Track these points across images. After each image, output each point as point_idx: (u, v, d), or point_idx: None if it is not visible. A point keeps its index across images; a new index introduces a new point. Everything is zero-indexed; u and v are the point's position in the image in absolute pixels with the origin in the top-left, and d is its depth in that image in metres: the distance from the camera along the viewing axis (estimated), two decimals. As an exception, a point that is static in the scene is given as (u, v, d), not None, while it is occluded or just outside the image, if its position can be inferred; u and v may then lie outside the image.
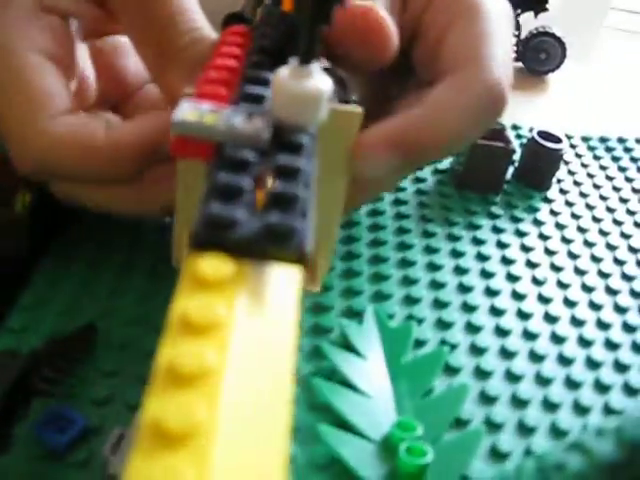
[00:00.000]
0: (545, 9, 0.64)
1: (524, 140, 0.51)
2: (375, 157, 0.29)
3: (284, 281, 0.18)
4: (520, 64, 0.65)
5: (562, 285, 0.37)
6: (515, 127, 0.53)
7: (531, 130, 0.51)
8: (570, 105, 0.61)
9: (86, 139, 0.27)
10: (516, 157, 0.47)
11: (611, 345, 0.34)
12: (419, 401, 0.29)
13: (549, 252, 0.40)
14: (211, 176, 0.19)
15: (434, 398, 0.29)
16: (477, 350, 0.32)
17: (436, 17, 0.32)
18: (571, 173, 0.48)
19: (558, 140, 0.45)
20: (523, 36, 0.64)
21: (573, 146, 0.52)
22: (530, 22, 0.65)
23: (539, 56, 0.64)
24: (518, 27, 0.64)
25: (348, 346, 0.31)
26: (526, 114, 0.57)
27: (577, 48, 0.75)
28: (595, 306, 0.36)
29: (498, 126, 0.44)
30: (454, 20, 0.31)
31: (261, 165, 0.20)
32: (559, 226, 0.42)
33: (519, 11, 0.64)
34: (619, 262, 0.40)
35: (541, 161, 0.45)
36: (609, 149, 0.52)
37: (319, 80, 0.22)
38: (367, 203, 0.40)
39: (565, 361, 0.33)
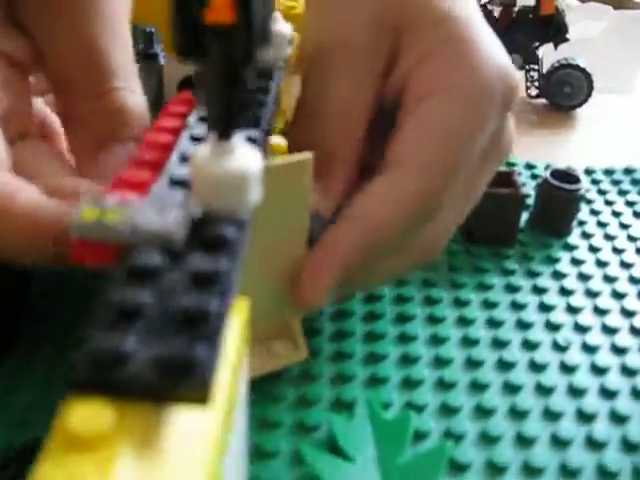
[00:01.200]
0: (565, 39, 0.59)
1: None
2: (316, 294, 0.27)
3: (187, 428, 0.14)
4: (543, 100, 0.60)
5: (589, 349, 0.33)
6: (530, 166, 0.49)
7: (547, 168, 0.46)
8: (598, 141, 0.56)
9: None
10: (530, 201, 0.43)
11: (649, 420, 0.29)
12: (417, 513, 0.24)
13: (572, 310, 0.35)
14: (104, 292, 0.15)
15: (435, 508, 0.25)
16: (488, 439, 0.28)
17: (416, 89, 0.29)
18: (594, 213, 0.44)
19: (576, 179, 0.41)
20: (545, 69, 0.60)
21: (596, 182, 0.47)
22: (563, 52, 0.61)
23: (563, 90, 0.59)
24: (537, 60, 0.60)
25: (335, 447, 0.27)
26: (549, 153, 0.52)
27: (621, 80, 0.70)
28: (629, 372, 0.31)
29: (506, 169, 0.40)
30: (417, 108, 0.29)
31: (173, 271, 0.17)
32: (582, 277, 0.38)
33: (537, 44, 0.60)
34: (654, 315, 0.35)
35: (557, 204, 0.41)
36: (636, 182, 0.47)
37: (244, 156, 0.18)
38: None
39: (596, 445, 0.28)
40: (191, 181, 0.18)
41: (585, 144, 0.55)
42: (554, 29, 0.57)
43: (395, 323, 0.34)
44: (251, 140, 0.22)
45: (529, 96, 0.61)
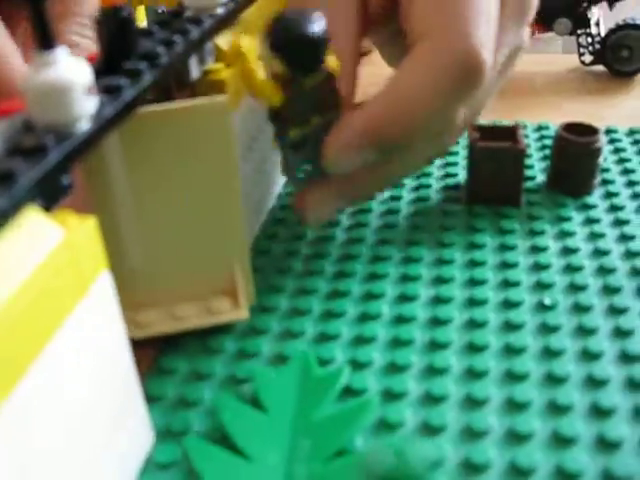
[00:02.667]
0: (619, -2, 0.54)
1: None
2: (343, 155, 0.28)
3: None
4: (601, 67, 0.55)
5: (585, 332, 0.29)
6: (541, 127, 0.45)
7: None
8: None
9: None
10: (547, 161, 0.39)
11: None
12: (320, 467, 0.22)
13: (570, 269, 0.32)
14: None
15: (339, 462, 0.22)
16: (433, 399, 0.25)
17: None
18: (626, 172, 0.39)
19: (593, 132, 0.36)
20: (603, 33, 0.55)
21: (614, 140, 0.43)
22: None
23: (621, 54, 0.54)
24: (588, 23, 0.55)
25: (255, 399, 0.25)
26: (603, 121, 0.48)
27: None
28: (620, 334, 0.28)
29: (510, 124, 0.36)
30: None
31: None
32: (593, 236, 0.34)
33: (585, 4, 0.55)
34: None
35: (570, 160, 0.37)
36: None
37: (67, 67, 0.18)
38: (366, 199, 0.35)
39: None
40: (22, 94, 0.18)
41: None
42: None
43: (363, 282, 0.31)
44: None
45: (582, 63, 0.56)
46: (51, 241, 0.18)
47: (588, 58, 0.56)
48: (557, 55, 0.62)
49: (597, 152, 0.36)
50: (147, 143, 0.25)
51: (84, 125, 0.18)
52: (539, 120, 0.47)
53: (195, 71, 0.28)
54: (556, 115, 0.48)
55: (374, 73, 0.39)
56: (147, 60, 0.23)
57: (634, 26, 0.53)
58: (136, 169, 0.25)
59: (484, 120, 0.44)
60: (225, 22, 0.29)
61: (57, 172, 0.18)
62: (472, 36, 0.27)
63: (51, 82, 0.17)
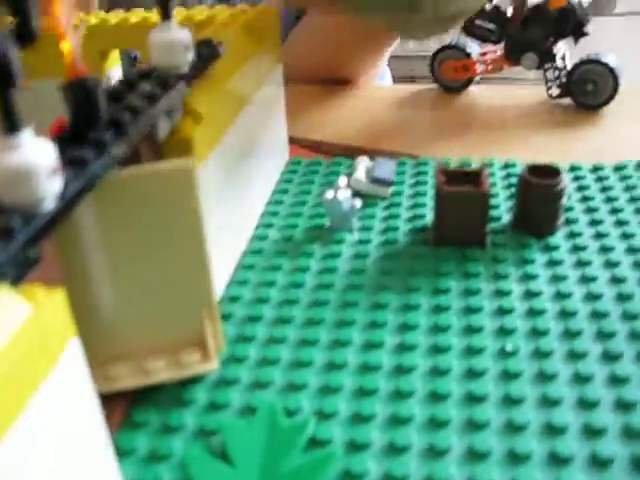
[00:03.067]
0: (583, 33, 0.56)
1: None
2: None
3: None
4: (567, 100, 0.57)
5: (545, 378, 0.30)
6: (508, 165, 0.46)
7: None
8: (627, 139, 0.52)
9: None
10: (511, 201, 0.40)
11: None
12: (286, 523, 0.23)
13: (533, 313, 0.33)
14: None
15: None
16: (396, 450, 0.26)
17: None
18: (589, 211, 0.40)
19: (555, 174, 0.38)
20: (569, 66, 0.56)
21: (601, 179, 0.44)
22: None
23: (586, 88, 0.55)
24: (554, 58, 0.57)
25: (224, 452, 0.26)
26: (571, 154, 0.49)
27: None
28: (581, 379, 0.28)
29: (476, 167, 0.37)
30: None
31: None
32: (556, 278, 0.35)
33: (551, 39, 0.56)
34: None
35: (534, 201, 0.38)
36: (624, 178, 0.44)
37: (31, 149, 0.18)
38: None
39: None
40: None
41: (612, 144, 0.51)
42: (568, 23, 0.54)
43: (332, 329, 0.32)
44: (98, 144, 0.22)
45: (550, 96, 0.57)
46: (18, 317, 0.18)
47: (555, 91, 0.57)
48: (526, 87, 0.63)
49: (560, 194, 0.37)
50: (115, 205, 0.26)
51: (49, 204, 0.19)
52: (508, 155, 0.48)
53: (163, 131, 0.28)
54: (524, 149, 0.50)
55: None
56: (115, 128, 0.24)
57: (598, 62, 0.54)
58: (105, 229, 0.26)
59: (453, 159, 0.45)
60: (193, 81, 0.30)
61: (25, 249, 0.18)
62: None
63: (16, 166, 0.18)
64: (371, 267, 0.36)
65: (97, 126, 0.23)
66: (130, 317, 0.28)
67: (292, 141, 0.50)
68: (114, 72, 0.46)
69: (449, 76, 0.61)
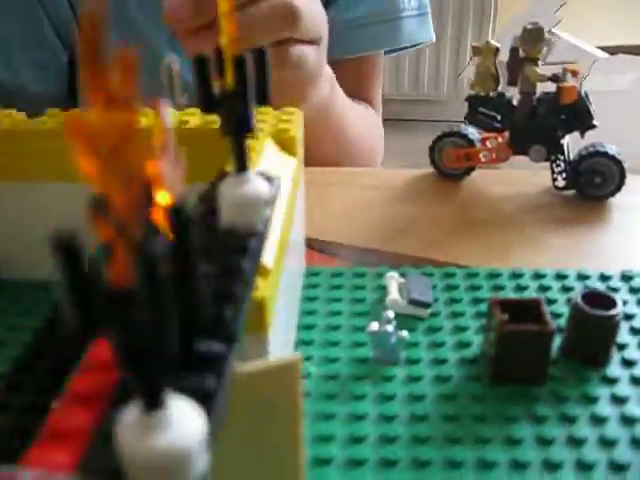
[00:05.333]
0: (592, 126, 0.55)
1: (572, 294, 0.42)
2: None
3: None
4: (573, 191, 0.56)
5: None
6: (560, 276, 0.45)
7: (579, 279, 0.42)
8: (637, 238, 0.51)
9: None
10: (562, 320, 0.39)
11: None
12: None
13: (617, 467, 0.31)
14: None
15: None
16: None
17: None
18: (636, 332, 0.39)
19: (611, 302, 0.36)
20: (572, 156, 0.56)
21: (635, 290, 0.43)
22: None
23: (593, 180, 0.55)
24: (562, 150, 0.56)
25: None
26: (581, 254, 0.48)
27: None
28: None
29: (532, 298, 0.36)
30: None
31: None
32: (626, 421, 0.33)
33: (560, 133, 0.56)
34: None
35: (591, 333, 0.36)
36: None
37: (179, 427, 0.15)
38: None
39: None
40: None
41: (621, 242, 0.51)
42: (579, 118, 0.53)
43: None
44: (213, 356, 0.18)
45: (556, 188, 0.57)
46: None
47: (561, 183, 0.56)
48: (526, 170, 0.62)
49: (618, 324, 0.36)
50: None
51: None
52: (523, 258, 0.47)
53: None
54: (541, 252, 0.49)
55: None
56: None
57: (605, 154, 0.54)
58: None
59: (480, 269, 0.43)
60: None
61: None
62: None
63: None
64: (433, 413, 0.34)
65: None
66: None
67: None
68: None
69: (450, 164, 0.59)
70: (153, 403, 0.14)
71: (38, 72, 0.67)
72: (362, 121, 0.80)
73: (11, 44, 0.67)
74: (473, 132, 0.59)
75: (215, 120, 0.40)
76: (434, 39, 0.85)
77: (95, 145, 0.12)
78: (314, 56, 0.56)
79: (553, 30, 1.61)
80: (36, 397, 0.33)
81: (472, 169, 0.60)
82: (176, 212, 0.14)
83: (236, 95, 0.23)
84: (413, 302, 0.41)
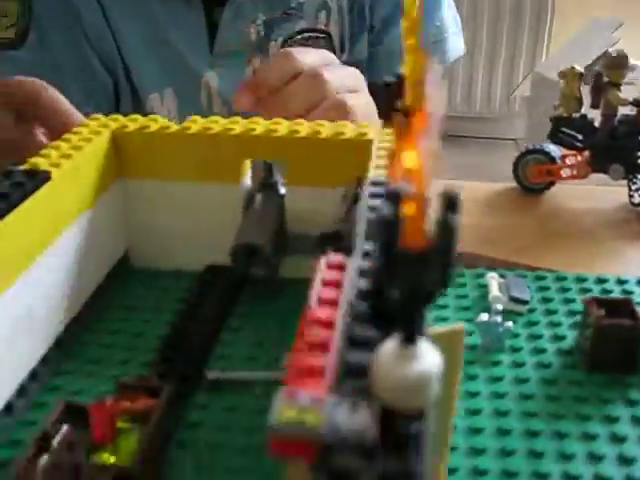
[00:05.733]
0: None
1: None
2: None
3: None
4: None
5: None
6: (622, 281, 0.50)
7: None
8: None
9: None
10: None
11: None
12: None
13: None
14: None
15: None
16: None
17: None
18: None
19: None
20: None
21: None
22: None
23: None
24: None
25: None
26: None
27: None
28: None
29: (621, 296, 0.41)
30: None
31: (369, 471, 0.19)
32: None
33: (638, 154, 0.60)
34: None
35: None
36: None
37: (426, 360, 0.20)
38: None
39: None
40: (375, 379, 0.20)
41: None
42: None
43: (526, 457, 0.35)
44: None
45: (632, 204, 0.61)
46: None
47: (638, 199, 0.61)
48: (605, 191, 0.67)
49: None
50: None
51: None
52: (597, 268, 0.52)
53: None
54: (625, 265, 0.54)
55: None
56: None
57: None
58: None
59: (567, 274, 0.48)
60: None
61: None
62: None
63: (415, 376, 0.20)
64: (538, 393, 0.39)
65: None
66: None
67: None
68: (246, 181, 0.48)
69: (533, 179, 0.64)
70: (411, 340, 0.20)
71: (87, 97, 0.75)
72: None
73: (64, 73, 0.75)
74: (555, 150, 0.64)
75: (344, 132, 0.45)
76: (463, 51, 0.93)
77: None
78: (354, 102, 0.60)
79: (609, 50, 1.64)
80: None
81: (552, 184, 0.65)
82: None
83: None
84: (513, 299, 0.46)
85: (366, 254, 0.28)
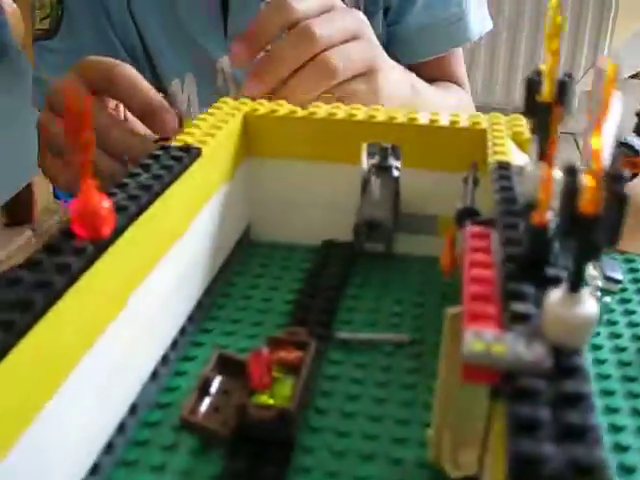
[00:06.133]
0: None
1: None
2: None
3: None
4: None
5: None
6: None
7: None
8: None
9: None
10: None
11: None
12: None
13: None
14: (509, 410, 0.22)
15: None
16: None
17: None
18: None
19: None
20: None
21: None
22: None
23: None
24: None
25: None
26: None
27: None
28: None
29: None
30: None
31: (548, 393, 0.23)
32: None
33: None
34: None
35: None
36: None
37: (587, 306, 0.25)
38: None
39: None
40: (544, 321, 0.25)
41: None
42: None
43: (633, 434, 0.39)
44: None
45: None
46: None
47: None
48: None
49: None
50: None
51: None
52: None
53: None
54: None
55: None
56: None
57: None
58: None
59: None
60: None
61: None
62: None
63: (580, 318, 0.24)
64: (636, 361, 0.43)
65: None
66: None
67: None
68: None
69: (617, 170, 0.68)
70: (577, 287, 0.24)
71: None
72: (458, 108, 0.84)
73: None
74: (638, 143, 0.67)
75: (458, 121, 0.49)
76: (491, 26, 0.94)
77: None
78: (357, 49, 0.59)
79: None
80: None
81: (635, 175, 0.68)
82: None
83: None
84: (607, 278, 0.50)
85: (506, 226, 0.32)
